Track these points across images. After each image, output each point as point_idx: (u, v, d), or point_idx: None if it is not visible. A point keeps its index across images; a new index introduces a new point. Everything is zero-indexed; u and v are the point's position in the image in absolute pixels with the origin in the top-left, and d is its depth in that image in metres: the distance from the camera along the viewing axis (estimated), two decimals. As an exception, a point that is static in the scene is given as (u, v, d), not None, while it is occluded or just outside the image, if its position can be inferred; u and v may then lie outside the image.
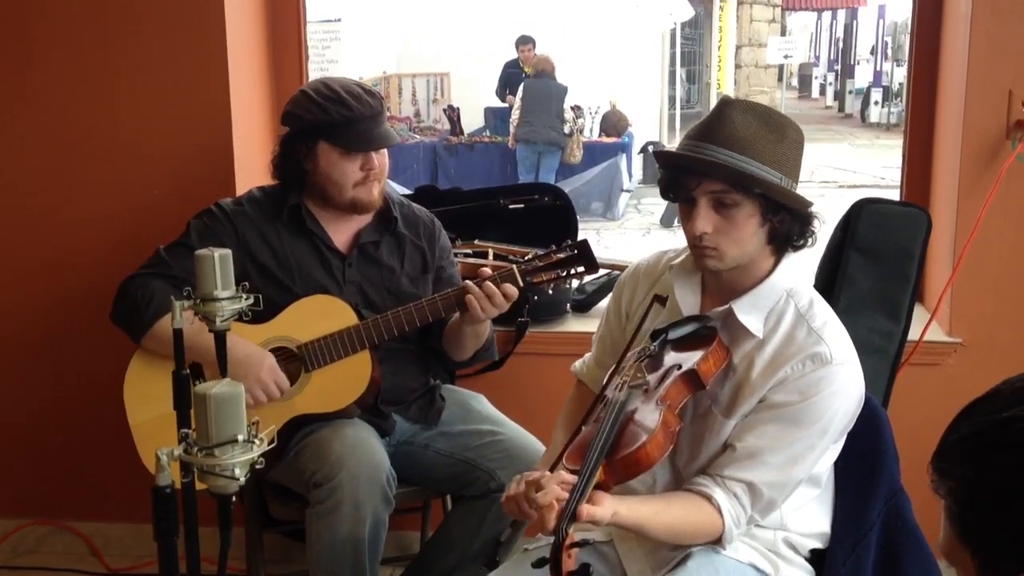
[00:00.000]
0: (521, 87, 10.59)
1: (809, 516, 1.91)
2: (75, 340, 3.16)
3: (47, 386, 3.22)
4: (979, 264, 2.88)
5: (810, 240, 1.85)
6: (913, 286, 2.57)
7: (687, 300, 1.90)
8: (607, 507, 1.62)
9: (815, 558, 1.93)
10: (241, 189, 2.93)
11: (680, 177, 1.80)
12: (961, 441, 0.86)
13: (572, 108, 10.94)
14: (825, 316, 1.82)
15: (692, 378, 1.75)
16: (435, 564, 2.62)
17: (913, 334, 2.69)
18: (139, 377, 2.50)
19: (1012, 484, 0.81)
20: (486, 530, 2.51)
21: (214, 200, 2.60)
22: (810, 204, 1.81)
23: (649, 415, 1.70)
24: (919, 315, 2.89)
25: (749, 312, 1.82)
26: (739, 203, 1.75)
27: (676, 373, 1.74)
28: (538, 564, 1.50)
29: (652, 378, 1.76)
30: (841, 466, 1.94)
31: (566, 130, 10.64)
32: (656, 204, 11.15)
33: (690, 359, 1.76)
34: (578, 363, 2.16)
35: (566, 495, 1.59)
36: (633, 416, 1.72)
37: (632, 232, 10.65)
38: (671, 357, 1.80)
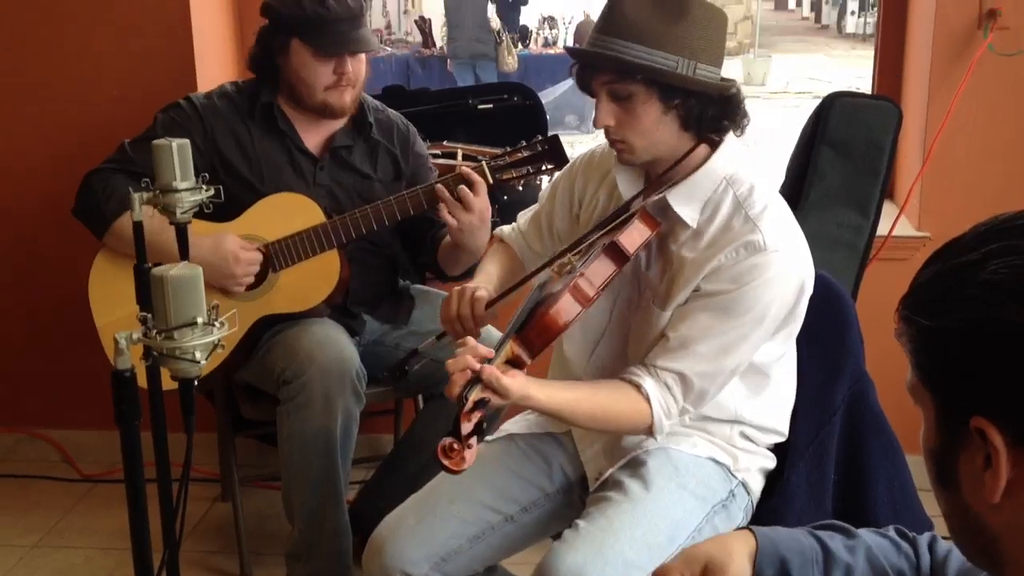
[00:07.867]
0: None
1: (765, 410, 1.89)
2: (41, 244, 3.12)
3: (11, 291, 3.18)
4: (949, 157, 2.86)
5: (743, 121, 1.78)
6: (883, 180, 2.57)
7: (629, 192, 1.86)
8: (519, 381, 1.61)
9: (777, 448, 1.94)
10: (203, 85, 2.86)
11: (581, 72, 1.77)
12: (923, 287, 0.86)
13: (545, 19, 10.66)
14: (765, 202, 1.75)
15: (613, 250, 1.71)
16: (406, 463, 2.63)
17: (882, 229, 2.70)
18: (104, 277, 2.47)
19: (970, 330, 0.81)
20: (457, 427, 2.52)
21: (175, 97, 2.53)
22: (715, 82, 1.71)
23: (562, 285, 1.69)
24: (888, 210, 2.89)
25: (684, 203, 1.76)
26: (632, 92, 1.69)
27: (597, 250, 1.72)
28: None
29: (580, 263, 1.74)
30: (807, 354, 1.94)
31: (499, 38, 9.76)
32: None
33: (612, 235, 1.73)
34: (507, 227, 2.16)
35: (477, 366, 1.58)
36: (551, 293, 1.71)
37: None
38: (599, 241, 1.77)
